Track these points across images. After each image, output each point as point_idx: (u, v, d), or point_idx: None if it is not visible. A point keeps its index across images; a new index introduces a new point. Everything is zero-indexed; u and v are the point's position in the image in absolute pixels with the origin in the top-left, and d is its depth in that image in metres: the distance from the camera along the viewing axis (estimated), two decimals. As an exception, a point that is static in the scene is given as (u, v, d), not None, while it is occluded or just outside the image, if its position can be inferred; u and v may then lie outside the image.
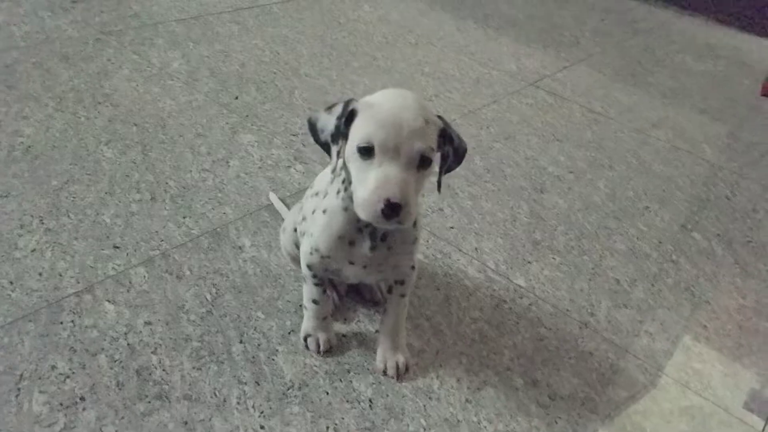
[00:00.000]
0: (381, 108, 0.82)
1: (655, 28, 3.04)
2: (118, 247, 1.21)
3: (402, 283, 1.03)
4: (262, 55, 2.05)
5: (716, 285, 1.42)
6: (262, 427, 0.94)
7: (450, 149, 0.88)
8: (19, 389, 0.93)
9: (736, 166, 1.95)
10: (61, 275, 1.13)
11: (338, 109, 0.85)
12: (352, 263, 0.96)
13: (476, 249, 1.38)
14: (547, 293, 1.30)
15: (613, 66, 2.53)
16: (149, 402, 0.94)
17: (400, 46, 2.32)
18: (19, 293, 1.08)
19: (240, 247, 1.26)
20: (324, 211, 0.94)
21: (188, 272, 1.18)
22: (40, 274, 1.12)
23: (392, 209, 0.79)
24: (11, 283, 1.09)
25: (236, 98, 1.77)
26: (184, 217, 1.31)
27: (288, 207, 1.34)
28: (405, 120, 0.81)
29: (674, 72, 2.59)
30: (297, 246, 1.08)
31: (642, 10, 3.25)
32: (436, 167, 0.87)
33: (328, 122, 0.85)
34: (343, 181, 0.91)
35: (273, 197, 1.38)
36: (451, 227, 1.43)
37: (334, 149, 0.86)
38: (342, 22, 2.41)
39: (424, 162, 0.82)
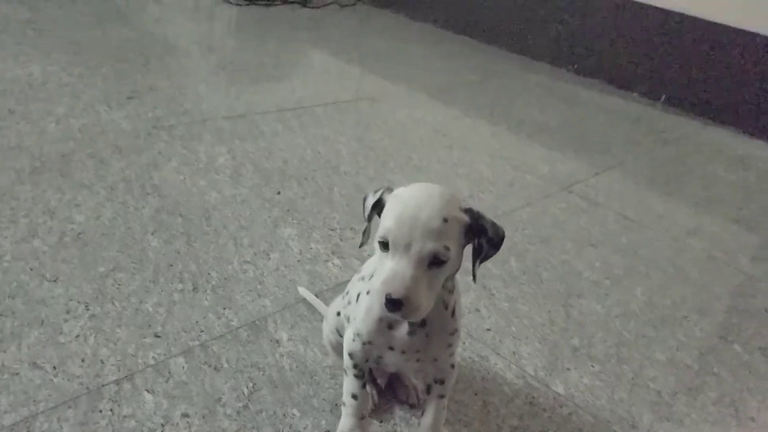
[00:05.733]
0: (401, 204, 0.86)
1: (683, 138, 3.10)
2: (159, 336, 1.22)
3: (441, 382, 1.02)
4: (304, 153, 2.13)
5: (761, 401, 1.37)
6: None
7: (484, 240, 0.89)
8: (54, 479, 0.92)
9: (775, 278, 1.93)
10: (102, 362, 1.14)
11: (378, 194, 0.92)
12: (391, 348, 0.96)
13: (514, 353, 1.36)
14: (587, 402, 1.27)
15: (644, 173, 2.57)
16: (183, 499, 0.92)
17: (435, 148, 2.39)
18: (61, 378, 1.09)
19: (277, 341, 1.26)
20: (368, 292, 0.96)
21: (226, 364, 1.18)
22: (83, 360, 1.13)
23: (393, 304, 0.82)
24: (54, 368, 1.11)
25: (278, 193, 1.83)
26: (224, 308, 1.33)
27: (325, 301, 1.35)
28: (420, 219, 0.83)
29: (706, 181, 2.62)
30: (339, 333, 1.09)
31: (669, 120, 3.32)
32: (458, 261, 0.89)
33: (369, 203, 0.93)
34: None
35: (303, 291, 1.39)
36: (488, 329, 1.43)
37: (367, 227, 0.94)
38: (380, 125, 2.51)
39: (436, 260, 0.84)
